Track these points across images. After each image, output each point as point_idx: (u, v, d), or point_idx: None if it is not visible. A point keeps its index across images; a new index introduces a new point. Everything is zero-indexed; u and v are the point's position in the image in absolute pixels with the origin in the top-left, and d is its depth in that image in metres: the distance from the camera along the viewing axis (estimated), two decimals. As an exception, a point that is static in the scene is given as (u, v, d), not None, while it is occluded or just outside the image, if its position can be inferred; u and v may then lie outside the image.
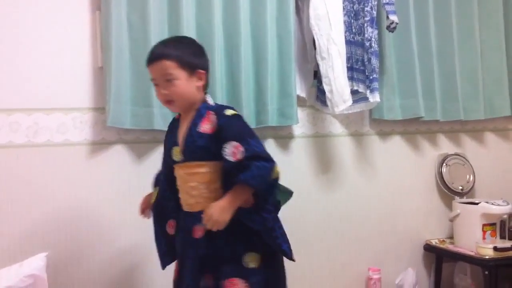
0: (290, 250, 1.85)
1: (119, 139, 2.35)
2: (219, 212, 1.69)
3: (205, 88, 1.89)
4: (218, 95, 2.37)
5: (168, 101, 1.82)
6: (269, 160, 1.73)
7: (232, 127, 1.77)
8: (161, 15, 2.34)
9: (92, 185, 2.30)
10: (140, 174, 2.34)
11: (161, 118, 2.30)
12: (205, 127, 1.79)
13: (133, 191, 2.32)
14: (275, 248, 1.81)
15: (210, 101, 1.87)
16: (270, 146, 2.64)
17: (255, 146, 1.73)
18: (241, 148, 1.69)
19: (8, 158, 2.18)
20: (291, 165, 2.69)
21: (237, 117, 1.83)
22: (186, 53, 1.84)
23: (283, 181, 2.58)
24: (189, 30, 2.34)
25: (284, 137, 2.70)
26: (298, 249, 2.66)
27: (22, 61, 2.21)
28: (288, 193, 2.05)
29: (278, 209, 1.91)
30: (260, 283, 1.78)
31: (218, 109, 1.83)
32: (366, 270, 2.81)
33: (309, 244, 2.71)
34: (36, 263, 1.92)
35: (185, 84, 1.80)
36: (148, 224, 2.37)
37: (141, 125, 2.30)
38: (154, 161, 2.37)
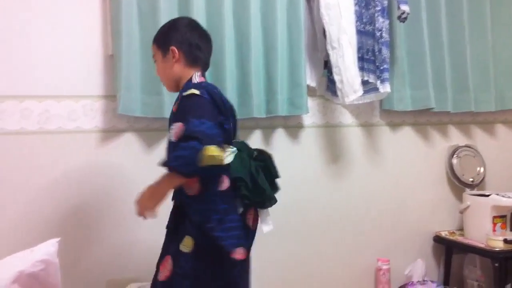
0: (232, 246, 1.69)
1: (129, 127, 2.36)
2: (145, 198, 1.71)
3: (193, 63, 1.83)
4: (228, 85, 2.38)
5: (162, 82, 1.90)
6: (202, 141, 1.55)
7: (184, 107, 1.70)
8: (171, 3, 2.34)
9: (102, 172, 2.31)
10: (150, 161, 2.34)
11: (171, 106, 2.30)
12: (174, 107, 1.79)
13: (143, 178, 2.32)
14: (213, 240, 1.68)
15: (195, 79, 1.80)
16: (280, 136, 2.64)
17: (195, 126, 1.59)
18: (183, 128, 1.63)
19: (20, 145, 2.19)
20: (301, 155, 2.69)
21: (191, 97, 1.70)
22: (160, 33, 1.87)
23: (293, 171, 2.62)
24: (199, 18, 2.32)
25: (293, 126, 2.69)
26: (307, 239, 2.70)
27: (33, 49, 2.22)
28: (272, 199, 1.84)
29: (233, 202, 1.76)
30: (184, 268, 1.68)
31: (184, 89, 1.76)
32: (375, 261, 2.80)
33: (318, 234, 2.71)
34: (47, 249, 1.92)
35: (161, 64, 1.85)
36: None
37: (151, 113, 2.31)
38: (164, 149, 2.38)
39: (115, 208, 2.33)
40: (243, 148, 1.84)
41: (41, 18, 2.24)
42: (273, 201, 1.82)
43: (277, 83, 2.50)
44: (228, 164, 1.74)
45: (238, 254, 1.70)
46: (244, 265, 1.80)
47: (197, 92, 1.70)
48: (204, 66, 1.89)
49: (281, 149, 2.62)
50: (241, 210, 1.77)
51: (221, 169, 1.68)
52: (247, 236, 1.80)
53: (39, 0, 2.23)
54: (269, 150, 1.93)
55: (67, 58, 2.27)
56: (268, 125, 2.62)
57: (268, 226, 1.83)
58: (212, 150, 1.56)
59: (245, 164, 1.78)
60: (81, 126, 2.28)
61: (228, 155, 1.75)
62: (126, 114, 2.28)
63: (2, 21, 2.18)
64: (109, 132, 2.33)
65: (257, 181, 1.76)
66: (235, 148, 1.81)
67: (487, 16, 3.08)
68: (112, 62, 2.31)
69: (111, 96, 2.32)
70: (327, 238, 2.73)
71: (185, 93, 1.72)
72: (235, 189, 1.74)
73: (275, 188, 1.86)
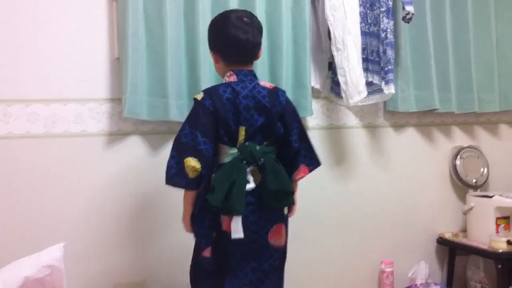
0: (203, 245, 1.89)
1: (135, 130, 2.36)
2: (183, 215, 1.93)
3: (228, 62, 1.91)
4: (233, 86, 2.38)
5: None
6: (172, 153, 1.80)
7: None
8: (177, 5, 2.33)
9: (109, 176, 2.31)
10: (156, 165, 2.35)
11: (177, 109, 2.31)
12: None
13: (149, 181, 2.34)
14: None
15: (225, 79, 1.91)
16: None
17: (178, 137, 1.81)
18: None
19: (27, 148, 2.19)
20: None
21: (193, 103, 1.87)
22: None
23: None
24: (205, 20, 2.32)
25: (298, 128, 2.69)
26: (311, 241, 2.70)
27: (39, 52, 2.22)
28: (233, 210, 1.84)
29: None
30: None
31: None
32: (379, 263, 2.81)
33: (322, 235, 2.72)
34: (53, 253, 1.93)
35: (215, 67, 1.98)
36: (161, 214, 2.40)
37: (157, 116, 2.30)
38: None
39: (121, 211, 2.33)
40: (246, 152, 1.84)
41: (47, 22, 2.23)
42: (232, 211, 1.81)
43: (281, 84, 2.48)
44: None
45: (206, 252, 1.87)
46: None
47: (199, 96, 1.85)
48: (239, 61, 1.91)
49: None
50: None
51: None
52: (217, 238, 1.87)
53: (45, 4, 2.23)
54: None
55: (73, 61, 2.26)
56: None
57: (235, 234, 1.81)
58: (188, 161, 1.75)
59: (233, 169, 1.80)
60: (87, 129, 2.28)
61: (225, 158, 1.85)
62: (132, 117, 2.27)
63: (8, 24, 2.17)
64: (115, 135, 2.33)
65: (231, 190, 1.78)
66: (235, 151, 1.84)
67: (491, 16, 3.07)
68: (118, 65, 2.30)
69: (117, 99, 2.31)
70: (331, 240, 2.74)
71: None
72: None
73: (275, 199, 1.87)
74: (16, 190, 2.18)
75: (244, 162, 1.83)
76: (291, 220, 2.01)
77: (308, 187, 2.64)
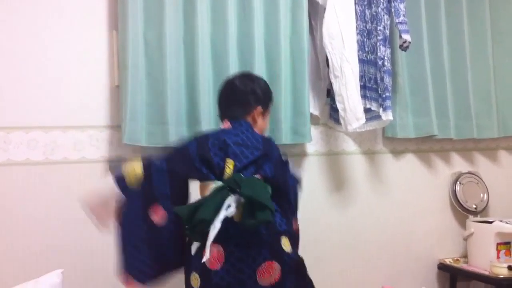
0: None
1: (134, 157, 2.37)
2: None
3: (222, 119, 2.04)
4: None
5: None
6: None
7: None
8: (177, 34, 2.37)
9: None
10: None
11: (176, 135, 2.32)
12: None
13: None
14: None
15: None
16: (284, 164, 2.65)
17: None
18: None
19: (26, 175, 2.21)
20: (304, 183, 2.67)
21: None
22: None
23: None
24: (204, 49, 2.37)
25: (297, 154, 2.71)
26: (311, 267, 2.68)
27: (40, 80, 2.25)
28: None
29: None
30: None
31: None
32: (380, 289, 2.80)
33: (322, 262, 2.70)
34: (52, 280, 1.93)
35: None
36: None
37: (157, 143, 2.32)
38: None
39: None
40: (229, 181, 1.74)
41: (48, 49, 2.27)
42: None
43: (280, 111, 2.51)
44: None
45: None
46: None
47: (187, 141, 1.89)
48: (227, 116, 1.99)
49: (284, 177, 2.62)
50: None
51: None
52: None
53: (46, 32, 2.27)
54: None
55: (73, 88, 2.30)
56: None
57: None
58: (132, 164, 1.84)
59: (211, 193, 1.73)
60: (86, 156, 2.30)
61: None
62: (132, 144, 2.29)
63: (8, 51, 2.21)
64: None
65: (202, 203, 1.70)
66: (219, 184, 1.75)
67: (488, 43, 3.11)
68: (118, 93, 2.33)
69: (116, 126, 2.33)
70: (331, 267, 2.73)
71: None
72: None
73: (250, 213, 1.67)
74: (16, 217, 2.19)
75: (227, 188, 1.71)
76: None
77: (307, 213, 2.64)
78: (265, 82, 2.12)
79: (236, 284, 1.69)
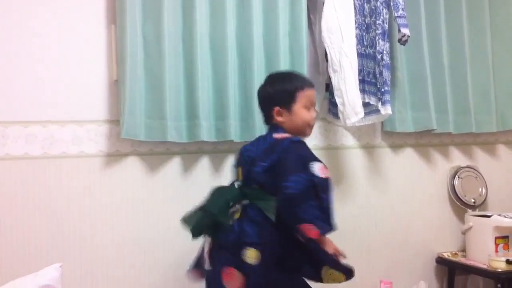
0: None
1: (133, 151, 2.37)
2: None
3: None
4: (231, 110, 2.40)
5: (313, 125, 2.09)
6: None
7: None
8: (175, 29, 2.36)
9: (106, 196, 2.32)
10: (153, 185, 2.37)
11: (174, 130, 2.33)
12: None
13: (146, 202, 2.35)
14: None
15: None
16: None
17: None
18: None
19: (24, 170, 2.21)
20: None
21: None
22: None
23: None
24: (202, 44, 2.36)
25: (296, 149, 2.70)
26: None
27: (38, 74, 2.25)
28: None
29: None
30: None
31: None
32: (378, 283, 2.79)
33: (321, 256, 2.71)
34: (51, 274, 1.93)
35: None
36: (160, 238, 2.39)
37: (155, 137, 2.32)
38: (167, 172, 2.40)
39: (118, 232, 2.33)
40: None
41: (47, 44, 2.26)
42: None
43: (279, 106, 2.51)
44: None
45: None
46: None
47: None
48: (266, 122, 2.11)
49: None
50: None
51: None
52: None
53: (45, 27, 2.26)
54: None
55: (72, 83, 2.29)
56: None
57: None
58: None
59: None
60: (84, 151, 2.30)
61: None
62: (130, 138, 2.29)
63: (7, 46, 2.21)
64: (113, 156, 2.34)
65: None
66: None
67: (487, 38, 3.10)
68: (116, 87, 2.33)
69: (115, 120, 2.33)
70: (329, 260, 2.73)
71: None
72: None
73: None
74: (14, 211, 2.19)
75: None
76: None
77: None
78: (281, 77, 2.12)
79: (212, 282, 1.89)
